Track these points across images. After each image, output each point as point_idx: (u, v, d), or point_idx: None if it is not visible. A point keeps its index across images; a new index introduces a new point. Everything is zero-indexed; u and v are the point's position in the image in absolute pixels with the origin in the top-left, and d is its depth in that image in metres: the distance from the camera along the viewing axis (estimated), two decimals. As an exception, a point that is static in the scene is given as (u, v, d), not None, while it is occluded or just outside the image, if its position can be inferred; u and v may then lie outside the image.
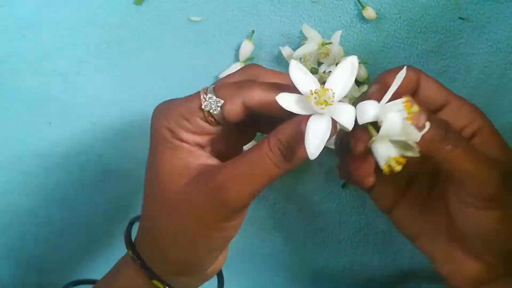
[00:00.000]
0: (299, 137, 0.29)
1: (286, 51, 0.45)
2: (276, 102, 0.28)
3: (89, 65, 0.48)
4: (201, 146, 0.33)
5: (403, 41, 0.45)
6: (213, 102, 0.31)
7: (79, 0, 0.46)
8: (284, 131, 0.29)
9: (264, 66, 0.47)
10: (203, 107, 0.31)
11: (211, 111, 0.31)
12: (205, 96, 0.31)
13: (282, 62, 0.47)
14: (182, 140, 0.32)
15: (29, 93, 0.48)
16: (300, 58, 0.44)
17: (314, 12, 0.45)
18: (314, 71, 0.44)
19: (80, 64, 0.48)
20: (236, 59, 0.47)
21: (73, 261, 0.53)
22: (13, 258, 0.52)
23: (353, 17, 0.45)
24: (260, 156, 0.30)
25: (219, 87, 0.32)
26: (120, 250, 0.53)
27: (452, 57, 0.44)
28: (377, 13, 0.44)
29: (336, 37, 0.44)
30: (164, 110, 0.33)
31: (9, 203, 0.51)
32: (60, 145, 0.49)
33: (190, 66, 0.47)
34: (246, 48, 0.46)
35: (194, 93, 0.32)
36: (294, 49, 0.44)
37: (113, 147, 0.50)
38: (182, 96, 0.45)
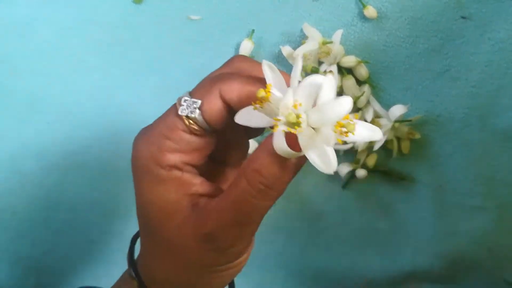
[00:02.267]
0: (279, 159, 0.24)
1: (286, 50, 0.45)
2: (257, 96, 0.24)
3: (89, 64, 0.48)
4: (193, 166, 0.28)
5: (405, 40, 0.44)
6: (189, 105, 0.27)
7: (78, 0, 0.46)
8: (260, 157, 0.25)
9: (264, 65, 0.47)
10: (179, 113, 0.27)
11: (189, 115, 0.27)
12: (180, 101, 0.27)
13: (283, 61, 0.46)
14: (169, 166, 0.27)
15: (27, 93, 0.48)
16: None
17: (315, 11, 0.45)
18: (314, 70, 0.44)
19: (80, 64, 0.48)
20: (236, 58, 0.47)
21: (72, 261, 0.52)
22: (11, 259, 0.52)
23: (354, 16, 0.44)
24: (241, 196, 0.26)
25: (194, 88, 0.28)
26: (119, 251, 0.53)
27: (454, 56, 0.44)
28: (378, 12, 0.44)
29: (337, 36, 0.44)
30: (143, 135, 0.28)
31: (7, 203, 0.50)
32: (59, 145, 0.49)
33: (189, 65, 0.47)
34: (246, 47, 0.45)
35: (171, 106, 0.28)
36: (295, 48, 0.44)
37: (112, 147, 0.49)
38: (179, 96, 0.44)
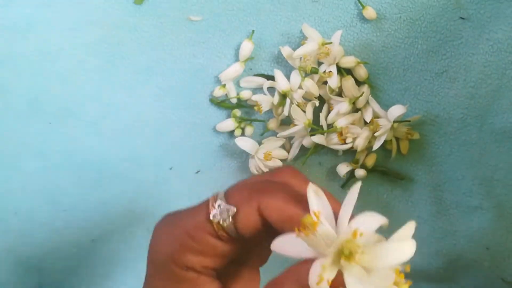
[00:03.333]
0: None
1: (286, 50, 0.45)
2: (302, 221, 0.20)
3: (89, 65, 0.48)
4: (210, 269, 0.26)
5: (403, 40, 0.44)
6: (223, 211, 0.25)
7: (79, 0, 0.46)
8: (285, 285, 0.22)
9: (264, 66, 0.47)
10: (211, 217, 0.25)
11: (221, 222, 0.25)
12: (214, 203, 0.25)
13: (282, 62, 0.46)
14: (186, 267, 0.25)
15: (28, 93, 0.48)
16: (300, 58, 0.44)
17: (314, 11, 0.45)
18: (314, 71, 0.44)
19: (80, 64, 0.48)
20: (236, 58, 0.47)
21: (74, 261, 0.53)
22: (13, 258, 0.52)
23: (353, 16, 0.45)
24: None
25: (231, 191, 0.25)
26: (119, 251, 0.53)
27: (452, 56, 0.44)
28: (377, 13, 0.44)
29: (336, 36, 0.44)
30: (167, 227, 0.27)
31: (9, 203, 0.51)
32: (60, 145, 0.49)
33: (190, 66, 0.47)
34: (246, 48, 0.46)
35: (203, 202, 0.26)
36: (294, 49, 0.44)
37: (113, 147, 0.50)
38: (181, 96, 0.44)
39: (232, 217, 0.24)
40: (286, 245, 0.23)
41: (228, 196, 0.25)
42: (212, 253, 0.25)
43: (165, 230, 0.27)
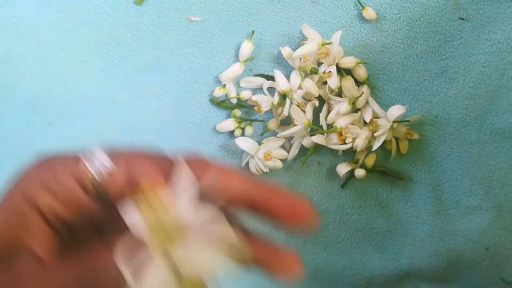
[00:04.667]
0: None
1: (286, 51, 0.45)
2: None
3: (89, 65, 0.48)
4: (56, 217, 0.23)
5: (403, 41, 0.45)
6: (98, 163, 0.23)
7: (79, 0, 0.47)
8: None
9: (264, 66, 0.47)
10: (85, 161, 0.23)
11: (92, 171, 0.23)
12: (94, 151, 0.23)
13: (282, 62, 0.47)
14: (35, 206, 0.22)
15: (29, 93, 0.48)
16: (300, 58, 0.44)
17: (314, 12, 0.45)
18: (314, 72, 0.44)
19: (80, 64, 0.48)
20: (236, 59, 0.47)
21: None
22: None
23: (353, 17, 0.45)
24: None
25: (118, 152, 0.24)
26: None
27: (452, 57, 0.44)
28: (377, 13, 0.44)
29: (336, 37, 0.44)
30: (41, 161, 0.24)
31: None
32: (60, 145, 0.49)
33: (190, 66, 0.47)
34: (246, 48, 0.46)
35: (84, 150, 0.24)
36: (294, 49, 0.44)
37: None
38: (181, 96, 0.44)
39: (105, 173, 0.22)
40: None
41: (113, 154, 0.23)
42: (68, 202, 0.22)
43: (38, 163, 0.24)
